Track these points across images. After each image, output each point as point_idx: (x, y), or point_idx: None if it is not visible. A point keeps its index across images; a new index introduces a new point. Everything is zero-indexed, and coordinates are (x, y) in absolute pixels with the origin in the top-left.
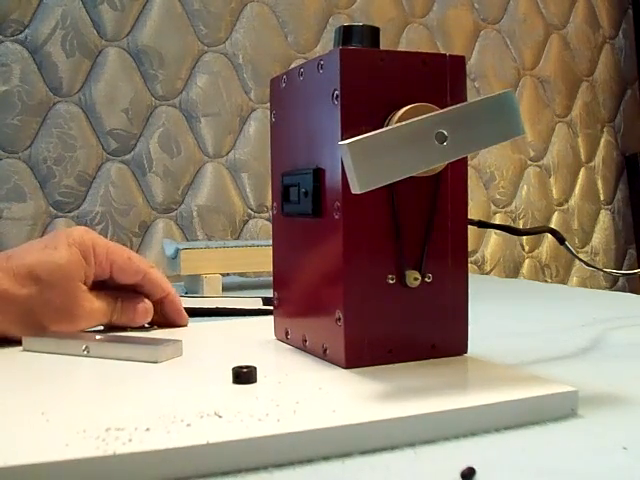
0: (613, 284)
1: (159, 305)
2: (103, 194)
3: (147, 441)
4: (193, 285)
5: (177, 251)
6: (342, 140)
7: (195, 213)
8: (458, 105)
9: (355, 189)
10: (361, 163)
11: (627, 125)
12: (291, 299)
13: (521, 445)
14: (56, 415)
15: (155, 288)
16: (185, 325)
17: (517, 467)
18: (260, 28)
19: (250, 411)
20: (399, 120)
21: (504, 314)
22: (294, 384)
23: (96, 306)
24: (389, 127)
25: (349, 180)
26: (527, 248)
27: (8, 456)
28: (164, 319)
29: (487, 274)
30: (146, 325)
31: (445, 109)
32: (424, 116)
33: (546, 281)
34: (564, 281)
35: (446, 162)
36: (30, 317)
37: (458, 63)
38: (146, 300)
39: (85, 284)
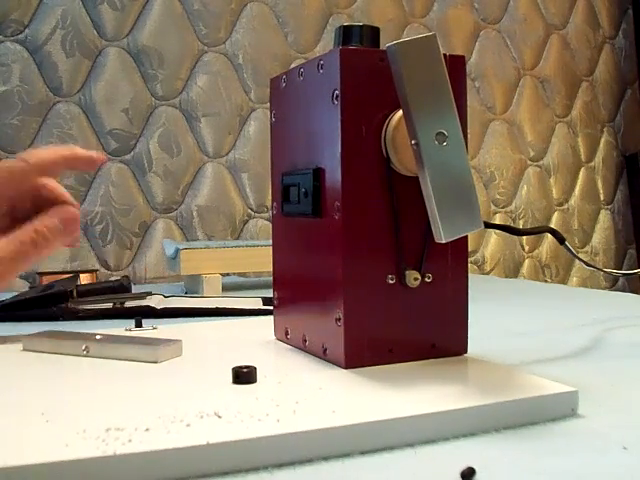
0: (613, 284)
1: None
2: (103, 194)
3: (147, 441)
4: (193, 285)
5: (177, 251)
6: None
7: (195, 213)
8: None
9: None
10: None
11: (627, 125)
12: (291, 299)
13: (521, 445)
14: (56, 415)
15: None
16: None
17: (517, 467)
18: (260, 28)
19: (250, 411)
20: (399, 120)
21: (504, 314)
22: (294, 384)
23: None
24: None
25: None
26: (527, 248)
27: (8, 456)
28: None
29: (487, 274)
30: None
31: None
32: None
33: (546, 281)
34: (564, 281)
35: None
36: None
37: (458, 63)
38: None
39: None
